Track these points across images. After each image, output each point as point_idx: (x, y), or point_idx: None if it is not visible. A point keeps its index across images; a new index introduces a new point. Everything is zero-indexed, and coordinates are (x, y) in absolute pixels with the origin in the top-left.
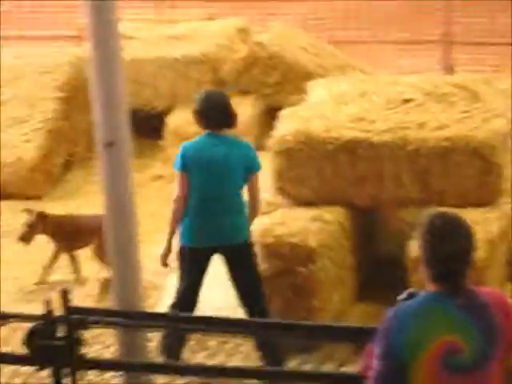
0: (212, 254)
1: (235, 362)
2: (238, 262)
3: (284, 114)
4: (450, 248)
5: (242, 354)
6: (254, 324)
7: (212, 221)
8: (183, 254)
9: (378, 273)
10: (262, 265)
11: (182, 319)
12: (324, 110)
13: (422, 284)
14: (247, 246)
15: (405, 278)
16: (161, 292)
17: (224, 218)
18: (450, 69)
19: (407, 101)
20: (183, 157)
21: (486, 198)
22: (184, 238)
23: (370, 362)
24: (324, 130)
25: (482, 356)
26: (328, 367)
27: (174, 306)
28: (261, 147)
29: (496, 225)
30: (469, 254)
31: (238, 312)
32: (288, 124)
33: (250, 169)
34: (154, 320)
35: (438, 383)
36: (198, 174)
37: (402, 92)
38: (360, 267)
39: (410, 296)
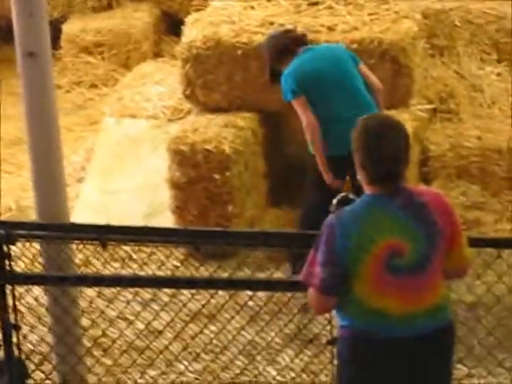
0: None
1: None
2: None
3: (190, 19)
4: (387, 148)
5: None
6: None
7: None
8: None
9: (288, 178)
10: (176, 173)
11: (109, 230)
12: (231, 15)
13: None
14: None
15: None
16: (72, 203)
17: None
18: None
19: (315, 4)
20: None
21: (397, 100)
22: None
23: (312, 269)
24: (233, 36)
25: (424, 256)
26: (243, 274)
27: None
28: (159, 54)
29: (409, 126)
30: (406, 154)
31: None
32: (195, 30)
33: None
34: (83, 232)
35: (381, 286)
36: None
37: None
38: (271, 173)
39: (345, 200)
